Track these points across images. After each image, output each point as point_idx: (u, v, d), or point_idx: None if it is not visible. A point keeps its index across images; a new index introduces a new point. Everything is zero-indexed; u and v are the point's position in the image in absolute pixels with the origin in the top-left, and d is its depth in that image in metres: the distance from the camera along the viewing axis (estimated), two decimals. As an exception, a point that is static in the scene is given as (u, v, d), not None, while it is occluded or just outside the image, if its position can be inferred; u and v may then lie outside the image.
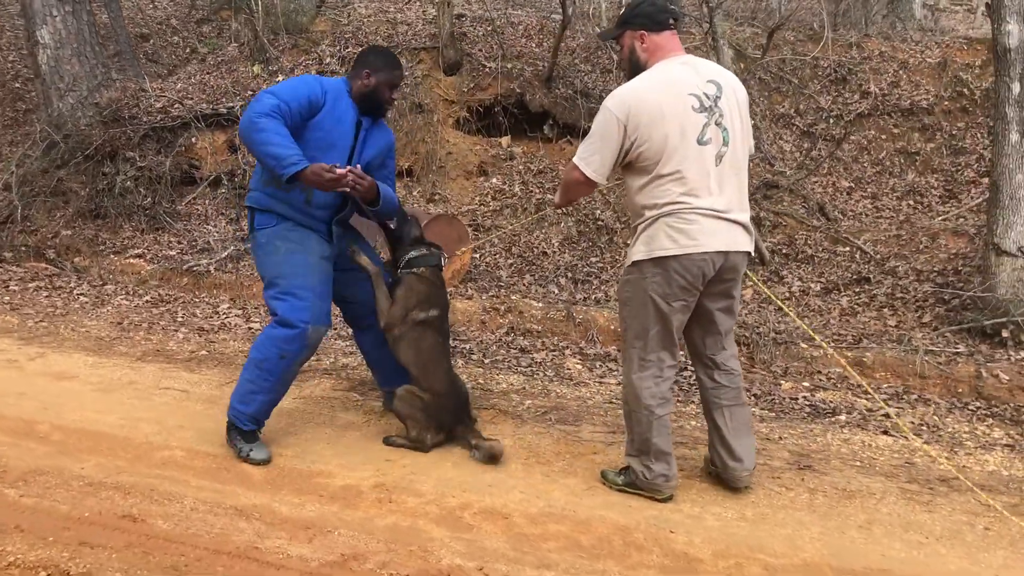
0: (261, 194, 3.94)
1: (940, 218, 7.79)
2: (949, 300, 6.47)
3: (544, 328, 6.52)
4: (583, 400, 4.81)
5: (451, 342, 5.75)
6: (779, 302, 5.28)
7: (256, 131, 3.58)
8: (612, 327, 6.32)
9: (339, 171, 3.59)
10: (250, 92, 8.91)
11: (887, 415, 4.47)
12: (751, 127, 3.48)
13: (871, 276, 6.96)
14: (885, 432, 4.36)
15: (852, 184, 8.64)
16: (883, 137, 8.97)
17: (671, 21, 3.41)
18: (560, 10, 11.65)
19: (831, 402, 4.82)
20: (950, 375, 5.44)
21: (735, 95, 3.35)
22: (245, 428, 3.91)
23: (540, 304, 6.80)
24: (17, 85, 10.36)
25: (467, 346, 5.77)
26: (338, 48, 9.41)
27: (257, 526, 3.24)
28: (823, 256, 7.39)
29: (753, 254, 3.46)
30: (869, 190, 8.50)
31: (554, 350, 5.78)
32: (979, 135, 8.75)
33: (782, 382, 5.26)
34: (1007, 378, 5.30)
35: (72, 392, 4.64)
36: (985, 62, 9.20)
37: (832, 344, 5.82)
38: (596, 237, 8.00)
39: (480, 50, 9.28)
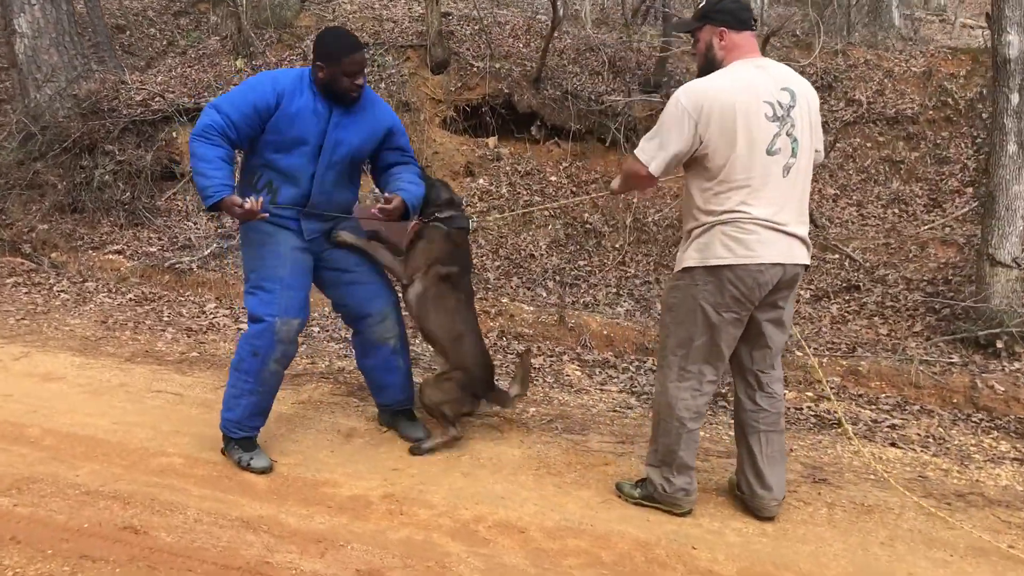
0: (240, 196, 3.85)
1: (926, 227, 7.81)
2: (940, 309, 6.48)
3: (535, 332, 6.45)
4: (587, 408, 4.74)
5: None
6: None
7: (192, 155, 3.59)
8: (605, 332, 6.27)
9: (247, 205, 3.53)
10: (233, 86, 8.73)
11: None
12: (821, 133, 3.39)
13: (861, 284, 6.96)
14: (893, 444, 4.33)
15: (837, 191, 8.65)
16: (868, 145, 8.99)
17: (752, 22, 3.30)
18: (546, 10, 11.67)
19: (835, 412, 4.79)
20: (945, 385, 5.43)
21: (808, 104, 3.22)
22: (236, 436, 3.81)
23: (531, 308, 6.72)
24: (-8, 74, 10.11)
25: (463, 350, 5.67)
26: (323, 43, 9.26)
27: (266, 539, 3.13)
28: (812, 263, 7.37)
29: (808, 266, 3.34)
30: (855, 198, 8.52)
31: (551, 356, 5.71)
32: (963, 145, 8.79)
33: (784, 392, 5.22)
34: (1002, 389, 5.30)
35: (61, 394, 4.49)
36: (969, 72, 9.26)
37: (826, 353, 5.81)
38: (584, 240, 7.93)
39: (468, 49, 9.18)
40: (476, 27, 9.56)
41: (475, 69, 8.87)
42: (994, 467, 4.04)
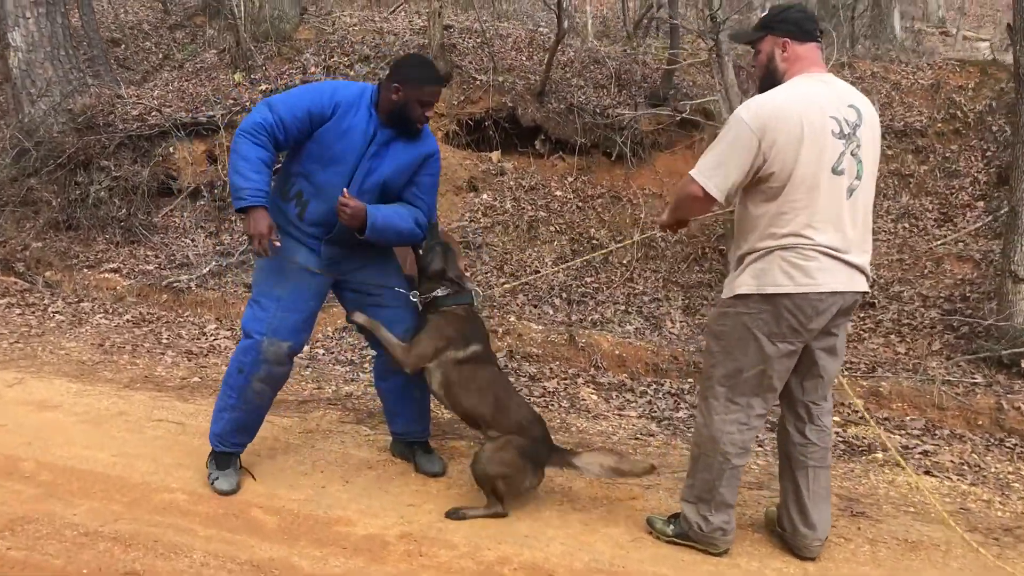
0: (271, 201, 3.68)
1: (939, 242, 7.66)
2: (958, 327, 6.33)
3: (545, 352, 6.27)
4: (607, 436, 4.55)
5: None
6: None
7: (233, 150, 3.46)
8: (618, 352, 6.09)
9: (266, 232, 3.37)
10: (231, 100, 8.58)
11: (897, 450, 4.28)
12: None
13: (876, 301, 6.80)
14: (928, 472, 4.16)
15: (847, 205, 8.53)
16: (877, 158, 8.87)
17: (818, 33, 3.13)
18: (547, 23, 11.54)
19: (864, 438, 4.62)
20: (969, 407, 5.27)
21: (872, 124, 3.05)
22: (216, 449, 3.70)
23: (540, 327, 6.55)
24: (-15, 89, 9.92)
25: (474, 374, 5.49)
26: (323, 57, 9.10)
27: (278, 585, 2.94)
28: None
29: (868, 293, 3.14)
30: (865, 212, 8.39)
31: (565, 378, 5.52)
32: (973, 158, 8.66)
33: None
34: (1029, 411, 5.14)
35: (57, 424, 4.29)
36: (978, 84, 9.16)
37: (846, 373, 5.64)
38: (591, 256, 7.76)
39: (470, 62, 9.02)
40: (478, 40, 9.42)
41: (478, 82, 8.72)
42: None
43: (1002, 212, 7.41)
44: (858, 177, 2.98)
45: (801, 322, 2.98)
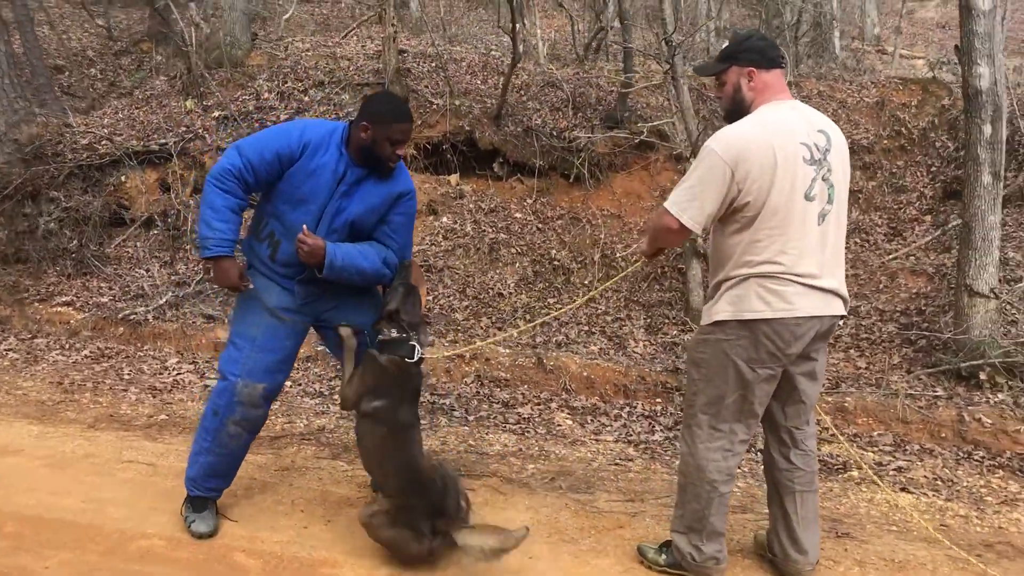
0: (246, 241, 3.70)
1: (891, 256, 7.82)
2: (916, 340, 6.46)
3: (514, 376, 6.25)
4: (587, 463, 4.54)
5: (424, 398, 5.44)
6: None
7: (203, 199, 3.45)
8: (586, 374, 6.10)
9: (234, 281, 3.42)
10: (184, 128, 8.45)
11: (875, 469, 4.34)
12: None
13: (834, 316, 6.90)
14: (904, 489, 4.22)
15: (800, 222, 8.67)
16: (827, 175, 9.04)
17: (781, 59, 3.14)
18: (498, 46, 11.58)
19: (839, 456, 4.67)
20: (932, 420, 5.37)
21: (842, 149, 3.08)
22: (191, 493, 3.62)
23: (507, 350, 6.53)
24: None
25: (446, 401, 5.45)
26: (276, 83, 9.02)
27: (268, 633, 2.86)
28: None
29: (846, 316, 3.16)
30: (818, 228, 8.53)
31: (539, 403, 5.51)
32: (919, 173, 8.87)
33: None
34: (990, 422, 5.25)
35: (20, 470, 4.13)
36: (920, 102, 9.40)
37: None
38: (552, 277, 7.78)
39: (426, 86, 9.01)
40: (433, 64, 9.41)
41: (435, 106, 8.71)
42: (1011, 511, 3.94)
43: (950, 226, 7.61)
44: (829, 201, 3.00)
45: (779, 347, 3.00)
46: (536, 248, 7.99)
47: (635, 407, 5.50)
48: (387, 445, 3.41)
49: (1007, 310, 6.20)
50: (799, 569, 3.22)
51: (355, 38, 10.63)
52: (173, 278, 7.53)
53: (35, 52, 9.20)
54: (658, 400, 5.73)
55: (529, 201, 8.44)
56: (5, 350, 6.22)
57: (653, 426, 5.18)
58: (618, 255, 7.89)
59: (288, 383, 5.72)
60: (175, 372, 5.84)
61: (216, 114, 8.57)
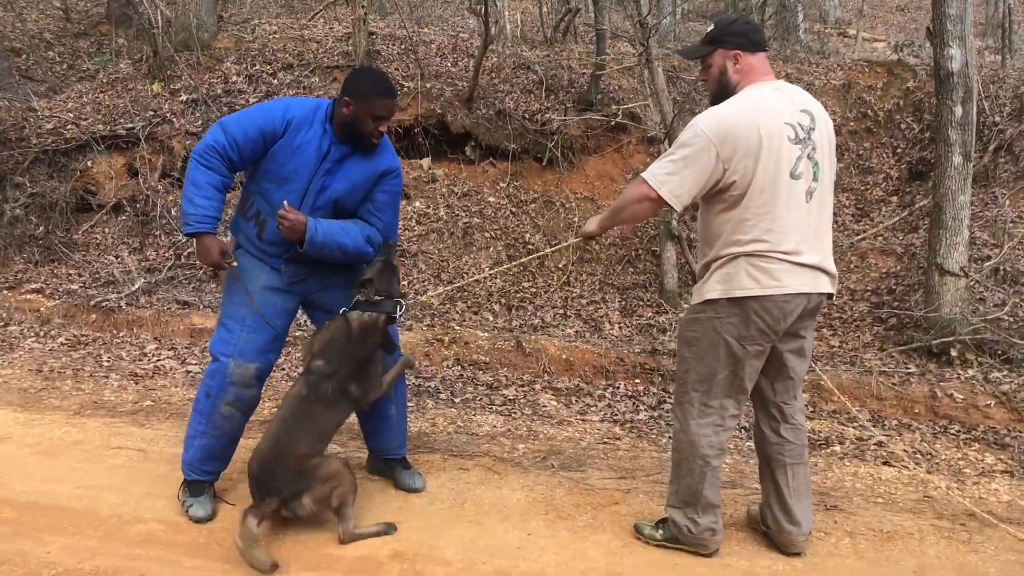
0: (233, 220, 3.71)
1: (859, 237, 7.97)
2: (887, 319, 6.60)
3: (492, 359, 6.28)
4: (575, 442, 4.59)
5: (409, 381, 5.45)
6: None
7: (186, 176, 3.42)
8: (565, 356, 6.15)
9: (217, 259, 3.39)
10: (151, 112, 8.32)
11: (880, 443, 4.46)
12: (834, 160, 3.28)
13: (807, 296, 7.02)
14: (886, 463, 4.33)
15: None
16: (795, 157, 9.16)
17: (765, 43, 3.19)
18: (464, 27, 11.54)
19: (820, 431, 4.78)
20: (905, 396, 5.50)
21: (826, 127, 3.13)
22: (188, 477, 3.62)
23: (485, 334, 6.56)
24: None
25: (431, 384, 5.46)
26: (244, 66, 8.91)
27: (278, 613, 2.87)
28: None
29: (834, 294, 3.24)
30: (786, 209, 8.65)
31: (523, 385, 5.54)
32: (885, 155, 9.03)
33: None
34: (961, 397, 5.40)
35: (10, 457, 4.08)
36: (886, 84, 9.54)
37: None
38: (527, 261, 7.80)
39: (396, 69, 8.96)
40: (403, 47, 9.35)
41: (405, 89, 8.67)
42: (989, 482, 4.07)
43: (917, 206, 7.77)
44: (815, 179, 3.06)
45: (769, 324, 3.06)
46: (510, 232, 8.01)
47: (617, 388, 5.56)
48: (285, 406, 3.45)
49: (975, 288, 6.36)
50: (793, 540, 3.30)
51: (323, 20, 10.52)
52: (144, 264, 7.43)
53: (-7, 34, 8.99)
54: (638, 381, 5.80)
55: (502, 185, 8.45)
56: (-23, 338, 6.11)
57: (637, 406, 5.24)
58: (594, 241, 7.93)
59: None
60: (155, 358, 5.78)
61: (184, 98, 8.45)
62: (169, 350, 5.97)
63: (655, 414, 5.10)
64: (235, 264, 3.50)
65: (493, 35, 8.68)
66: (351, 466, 3.46)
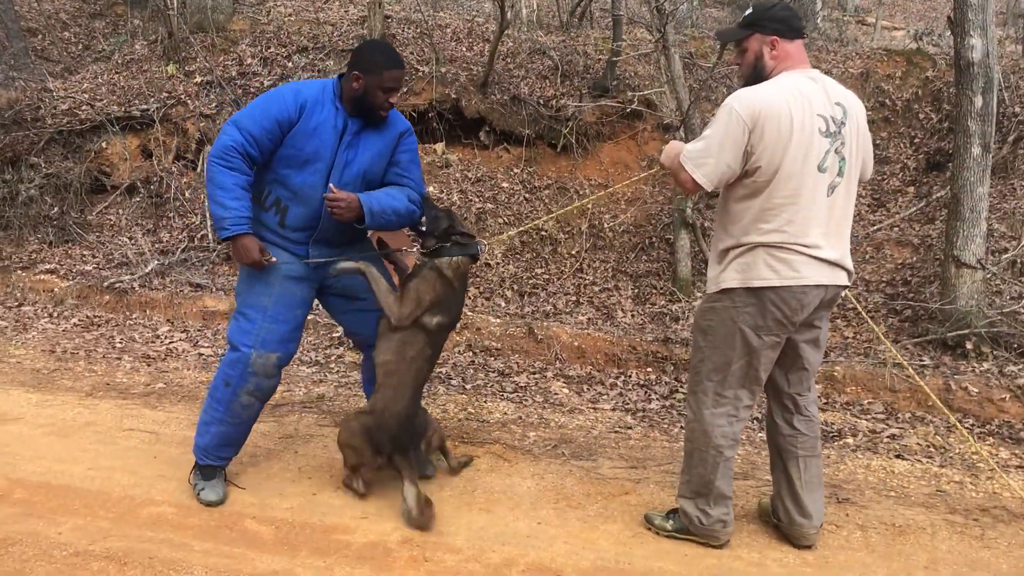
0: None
1: (876, 228, 7.91)
2: (902, 311, 6.55)
3: (504, 346, 6.27)
4: (587, 430, 4.58)
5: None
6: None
7: (209, 180, 3.41)
8: (577, 344, 6.13)
9: (257, 256, 3.41)
10: (165, 93, 8.32)
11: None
12: (871, 150, 3.24)
13: (821, 287, 6.98)
14: (899, 456, 4.30)
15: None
16: (812, 146, 9.08)
17: (803, 30, 3.13)
18: (479, 12, 11.48)
19: (833, 423, 4.75)
20: (919, 388, 5.46)
21: (857, 122, 3.08)
22: (201, 462, 3.62)
23: (497, 320, 6.54)
24: None
25: (443, 370, 5.46)
26: (259, 48, 8.89)
27: (288, 598, 2.88)
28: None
29: (849, 287, 3.20)
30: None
31: (534, 372, 5.53)
32: (902, 145, 8.94)
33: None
34: (976, 391, 5.35)
35: (22, 437, 4.10)
36: (904, 73, 9.44)
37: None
38: (540, 248, 7.79)
39: (411, 53, 8.92)
40: (418, 30, 9.32)
41: (420, 73, 8.64)
42: (1004, 476, 4.03)
43: (934, 197, 7.70)
44: (840, 174, 3.02)
45: (786, 315, 3.04)
46: (523, 218, 7.98)
47: (629, 376, 5.54)
48: (417, 364, 3.56)
49: (992, 281, 6.30)
50: (804, 532, 3.28)
51: (338, 3, 10.48)
52: (157, 246, 7.45)
53: (9, 15, 8.98)
54: (650, 369, 5.77)
55: (516, 170, 8.42)
56: (-7, 318, 6.15)
57: (649, 395, 5.22)
58: (606, 225, 7.91)
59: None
60: (167, 340, 5.79)
61: (199, 79, 8.45)
62: (182, 332, 5.98)
63: (667, 403, 5.08)
64: (274, 260, 3.50)
65: (509, 20, 8.62)
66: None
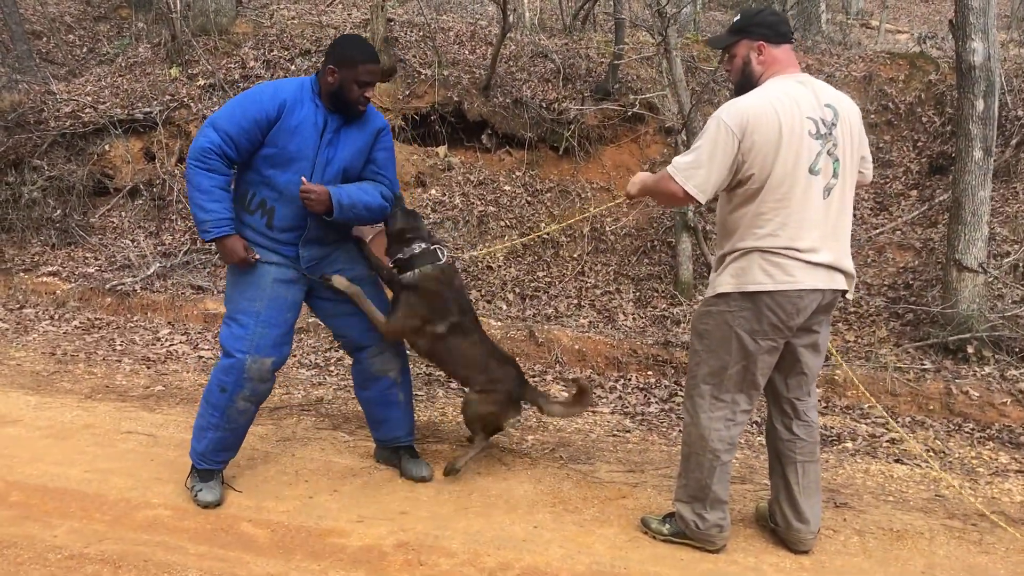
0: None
1: (877, 231, 7.89)
2: (903, 314, 6.53)
3: (505, 349, 6.26)
4: (585, 434, 4.57)
5: (419, 370, 5.45)
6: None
7: (188, 182, 3.44)
8: (577, 347, 6.12)
9: (243, 255, 3.45)
10: (168, 96, 8.33)
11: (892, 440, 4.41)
12: (868, 152, 3.24)
13: (822, 290, 6.96)
14: (898, 460, 4.29)
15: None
16: (814, 149, 9.07)
17: (791, 35, 3.14)
18: (483, 15, 11.48)
19: (832, 427, 4.74)
20: (920, 392, 5.44)
21: (850, 123, 3.07)
22: (198, 467, 3.62)
23: (498, 323, 6.54)
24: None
25: (442, 372, 5.43)
26: (262, 51, 8.90)
27: (282, 601, 2.88)
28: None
29: (850, 293, 3.20)
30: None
31: (533, 375, 5.52)
32: (905, 148, 8.92)
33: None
34: (977, 395, 5.34)
35: (20, 440, 4.11)
36: (908, 76, 9.42)
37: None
38: (542, 251, 7.78)
39: (414, 56, 8.93)
40: (420, 33, 9.32)
41: (423, 76, 8.64)
42: (1002, 482, 4.02)
43: (937, 201, 7.67)
44: (835, 176, 3.01)
45: (782, 319, 3.03)
46: (525, 221, 7.98)
47: (629, 380, 5.53)
48: (479, 346, 3.85)
49: (994, 284, 6.28)
50: (801, 538, 3.27)
51: (341, 6, 10.50)
52: (159, 248, 7.47)
53: (14, 17, 9.03)
54: (650, 373, 5.76)
55: (518, 174, 8.42)
56: (-6, 320, 6.16)
57: (648, 398, 5.21)
58: (607, 228, 7.90)
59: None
60: (168, 343, 5.80)
61: (201, 82, 8.46)
62: (182, 335, 5.99)
63: (666, 407, 5.07)
64: (259, 257, 3.51)
65: (511, 23, 8.63)
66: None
